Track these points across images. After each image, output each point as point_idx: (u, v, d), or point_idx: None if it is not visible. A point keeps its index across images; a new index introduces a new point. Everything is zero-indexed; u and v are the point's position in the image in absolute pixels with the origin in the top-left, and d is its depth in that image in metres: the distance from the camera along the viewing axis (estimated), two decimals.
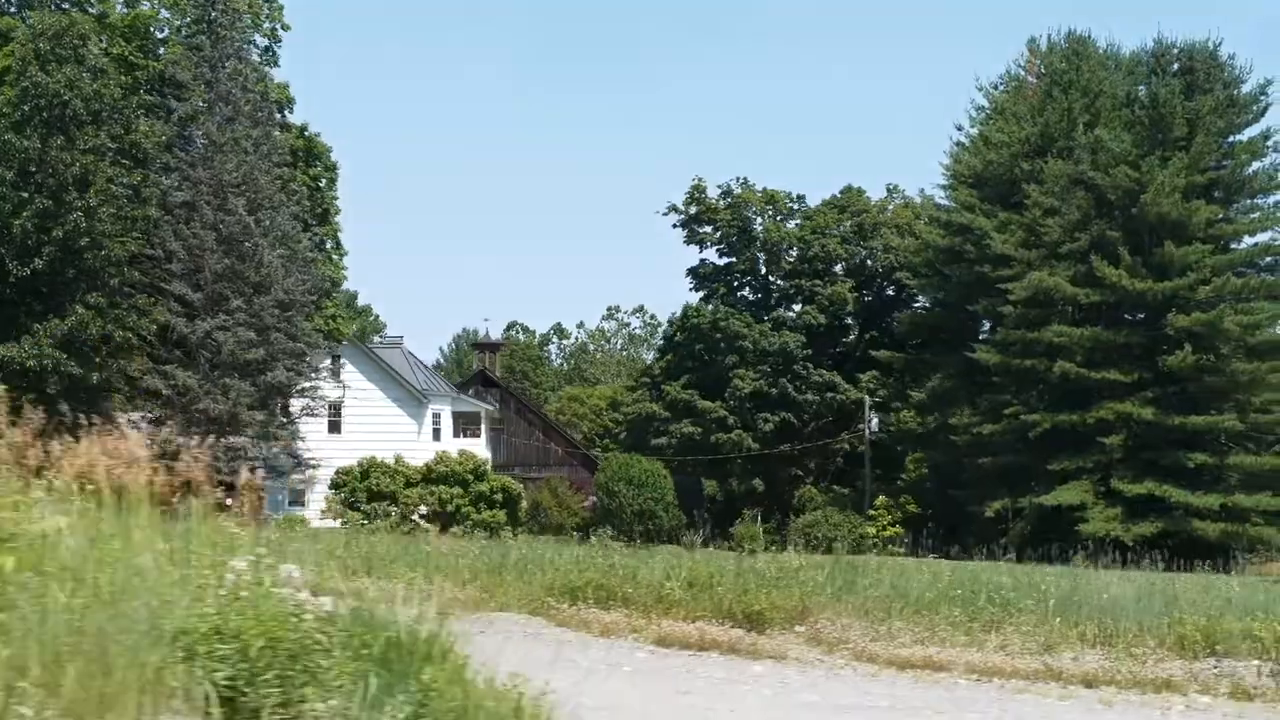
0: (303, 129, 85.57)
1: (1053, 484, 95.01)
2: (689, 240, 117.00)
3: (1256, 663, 25.49)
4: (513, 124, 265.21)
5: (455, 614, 13.56)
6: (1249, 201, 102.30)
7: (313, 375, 78.92)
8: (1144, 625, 28.22)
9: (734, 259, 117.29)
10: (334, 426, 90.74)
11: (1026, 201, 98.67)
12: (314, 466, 78.93)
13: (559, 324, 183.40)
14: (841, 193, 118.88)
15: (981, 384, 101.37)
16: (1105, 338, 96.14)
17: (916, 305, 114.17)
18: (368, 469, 76.85)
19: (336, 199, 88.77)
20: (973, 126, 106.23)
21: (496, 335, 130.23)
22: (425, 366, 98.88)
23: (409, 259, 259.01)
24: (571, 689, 11.51)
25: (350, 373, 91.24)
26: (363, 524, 74.58)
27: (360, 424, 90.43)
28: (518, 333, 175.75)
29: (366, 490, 76.09)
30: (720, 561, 39.39)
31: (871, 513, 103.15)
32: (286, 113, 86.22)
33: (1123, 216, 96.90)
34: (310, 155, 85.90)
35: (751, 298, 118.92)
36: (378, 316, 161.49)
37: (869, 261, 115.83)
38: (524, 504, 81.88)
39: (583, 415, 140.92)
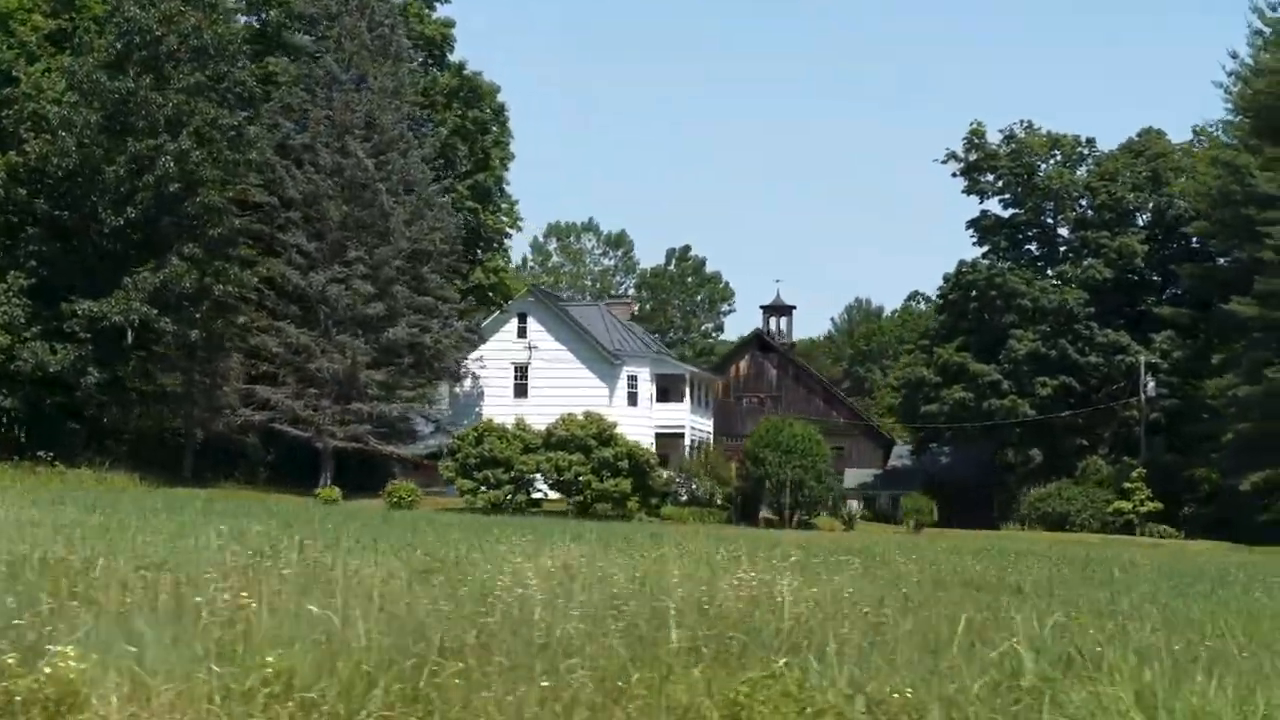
0: (460, 68, 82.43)
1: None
2: (969, 190, 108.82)
3: None
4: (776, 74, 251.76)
5: None
6: None
7: (446, 333, 76.09)
8: None
9: (1017, 210, 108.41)
10: (520, 390, 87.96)
11: None
12: (447, 433, 76.27)
13: (861, 298, 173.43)
14: (1139, 135, 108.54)
15: (1240, 342, 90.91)
16: None
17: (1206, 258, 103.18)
18: (482, 432, 73.31)
19: (508, 144, 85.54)
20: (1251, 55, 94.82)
21: (789, 299, 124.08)
22: (631, 326, 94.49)
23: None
24: None
25: (537, 332, 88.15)
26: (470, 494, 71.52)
27: (547, 387, 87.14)
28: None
29: (479, 456, 72.42)
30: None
31: (1127, 486, 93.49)
32: (446, 52, 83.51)
33: None
34: (472, 97, 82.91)
35: (1036, 251, 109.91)
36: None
37: (1169, 211, 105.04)
38: (660, 472, 76.54)
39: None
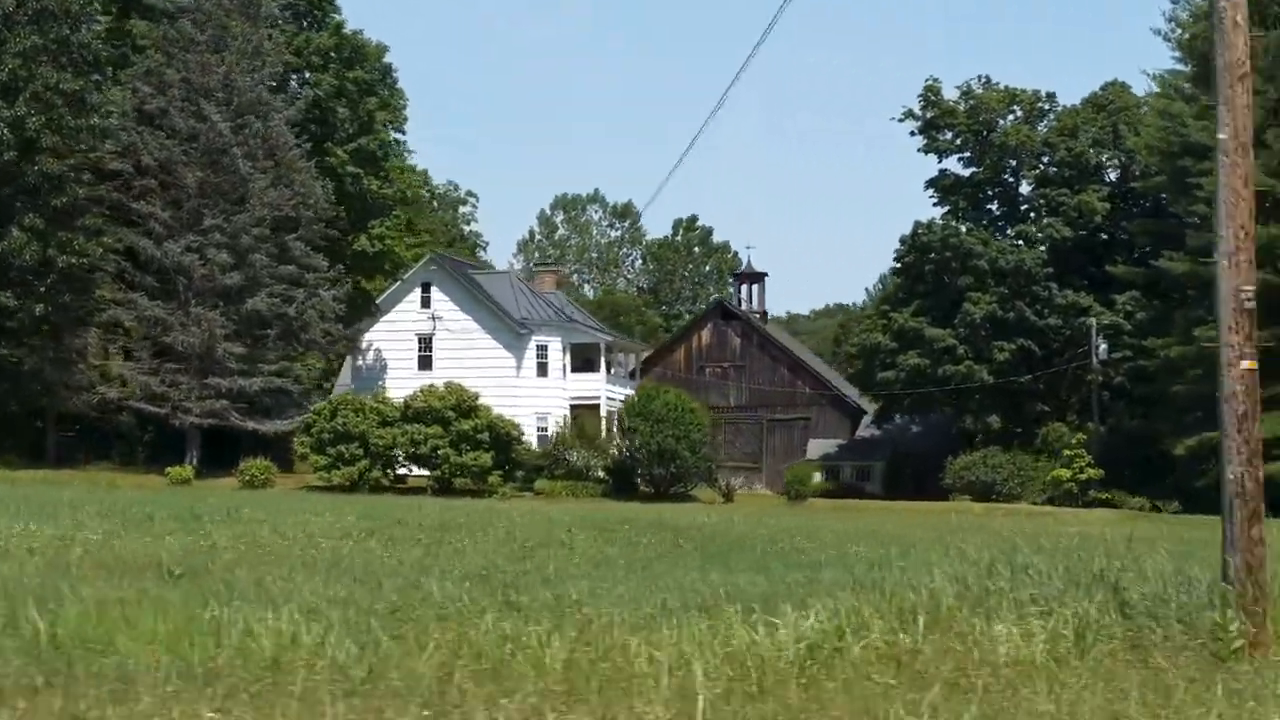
0: (338, 26, 79.63)
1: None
2: (926, 149, 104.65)
3: None
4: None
5: None
6: None
7: (312, 303, 73.65)
8: None
9: (976, 168, 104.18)
10: (424, 362, 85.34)
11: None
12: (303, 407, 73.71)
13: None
14: (1103, 89, 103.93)
15: (1177, 300, 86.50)
16: None
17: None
18: (337, 406, 70.67)
19: (400, 107, 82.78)
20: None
21: (760, 265, 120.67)
22: (547, 295, 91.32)
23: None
24: None
25: (442, 301, 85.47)
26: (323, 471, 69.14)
27: (452, 358, 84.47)
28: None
29: (333, 431, 69.78)
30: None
31: (1067, 453, 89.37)
32: (329, 12, 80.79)
33: None
34: (354, 57, 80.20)
35: (997, 211, 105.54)
36: None
37: (1130, 167, 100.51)
38: (526, 445, 73.58)
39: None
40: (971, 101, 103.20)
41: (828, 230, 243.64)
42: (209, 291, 72.15)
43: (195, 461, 73.21)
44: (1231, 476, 14.22)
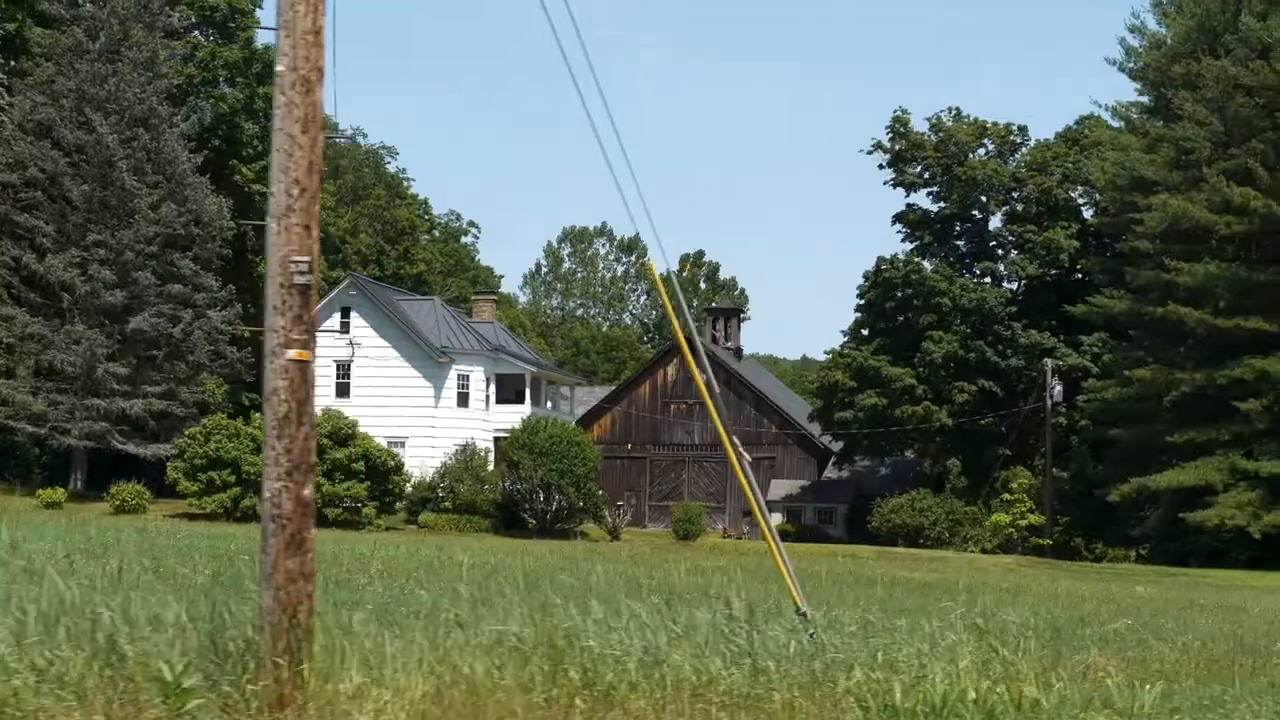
0: (248, 41, 77.83)
1: (1173, 460, 76.34)
2: (896, 182, 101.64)
3: None
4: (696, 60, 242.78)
5: None
6: None
7: (199, 324, 71.68)
8: None
9: (944, 203, 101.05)
10: (342, 390, 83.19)
11: (1181, 111, 79.53)
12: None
13: None
14: (1077, 123, 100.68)
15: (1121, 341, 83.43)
16: (1243, 277, 75.95)
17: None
18: (210, 430, 68.43)
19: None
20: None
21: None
22: (473, 324, 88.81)
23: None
24: None
25: (361, 327, 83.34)
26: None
27: (371, 386, 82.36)
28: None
29: (205, 457, 67.49)
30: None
31: (1007, 497, 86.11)
32: (240, 26, 79.11)
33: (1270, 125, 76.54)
34: (267, 72, 78.19)
35: (965, 248, 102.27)
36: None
37: (1102, 203, 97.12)
38: (406, 475, 71.04)
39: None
40: (941, 134, 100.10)
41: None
42: (93, 309, 70.38)
43: (80, 484, 71.38)
44: (269, 493, 11.10)
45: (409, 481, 70.38)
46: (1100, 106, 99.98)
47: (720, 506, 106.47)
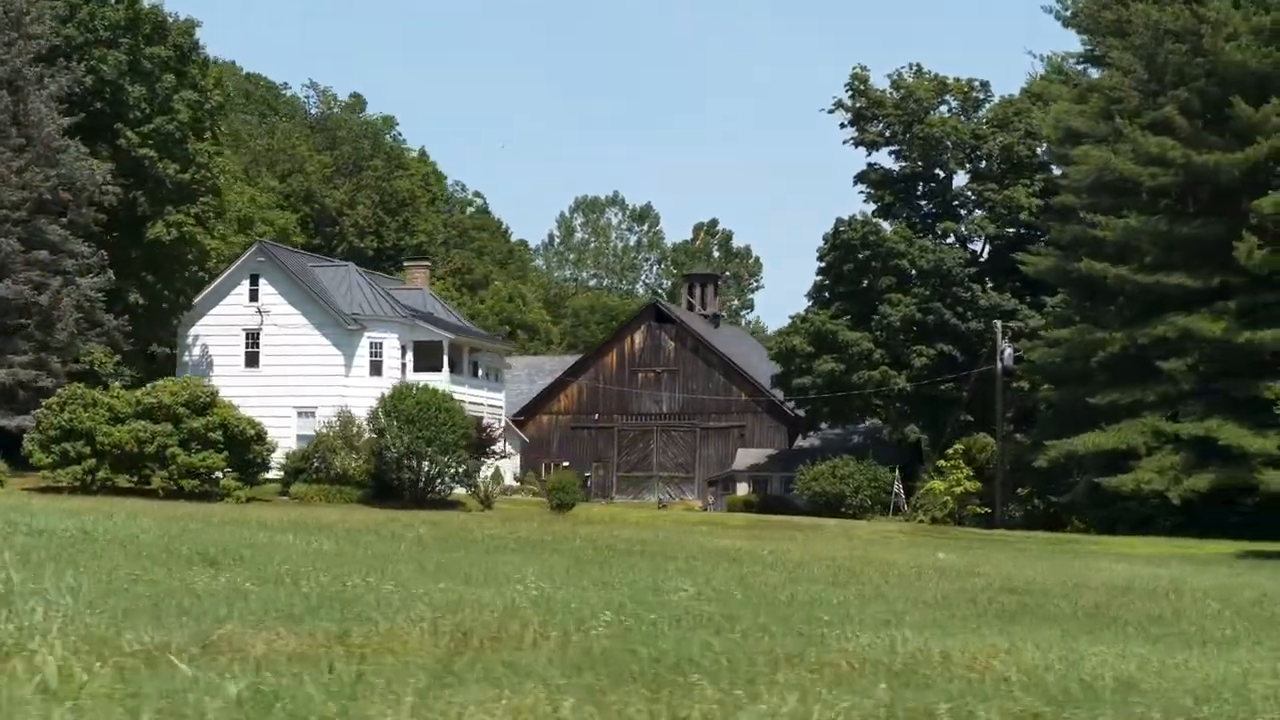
0: (132, 1, 75.63)
1: (1102, 424, 72.97)
2: (857, 141, 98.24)
3: None
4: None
5: None
6: None
7: (68, 292, 69.86)
8: None
9: (905, 163, 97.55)
10: (252, 359, 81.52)
11: (1111, 60, 75.96)
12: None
13: None
14: (1044, 77, 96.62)
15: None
16: (1164, 230, 72.28)
17: None
18: (66, 400, 66.30)
19: (205, 88, 78.73)
20: None
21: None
22: (390, 291, 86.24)
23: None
24: None
25: (270, 295, 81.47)
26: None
27: (280, 355, 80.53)
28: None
29: (59, 428, 65.37)
30: None
31: (941, 464, 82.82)
32: None
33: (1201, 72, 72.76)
34: (156, 34, 76.43)
35: (929, 208, 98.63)
36: None
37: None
38: (267, 445, 68.66)
39: None
40: (901, 91, 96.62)
41: None
42: None
43: None
44: None
45: (272, 451, 68.12)
46: (1035, 57, 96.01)
47: (689, 477, 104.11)
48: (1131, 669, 13.36)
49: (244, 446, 66.29)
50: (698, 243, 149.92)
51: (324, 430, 70.86)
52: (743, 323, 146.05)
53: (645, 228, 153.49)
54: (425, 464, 67.65)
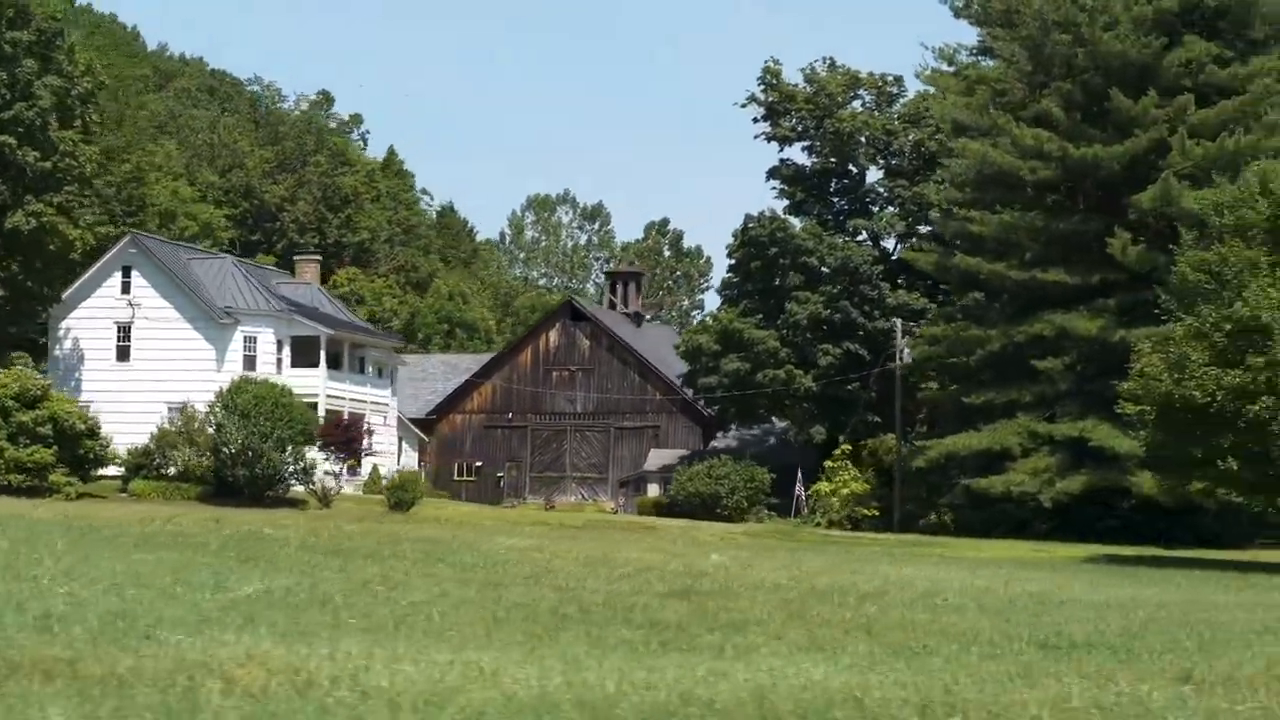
0: None
1: (979, 424, 70.92)
2: (770, 136, 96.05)
3: None
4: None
5: None
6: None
7: None
8: None
9: (817, 158, 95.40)
10: (123, 353, 79.70)
11: (998, 51, 73.85)
12: None
13: None
14: (934, 68, 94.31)
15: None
16: (1040, 226, 70.14)
17: None
18: None
19: (72, 74, 76.83)
20: None
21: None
22: (272, 284, 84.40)
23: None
24: None
25: (142, 287, 79.62)
26: None
27: (152, 349, 78.66)
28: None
29: None
30: None
31: (830, 464, 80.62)
32: None
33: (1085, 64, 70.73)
34: (19, 19, 74.56)
35: (841, 204, 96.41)
36: None
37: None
38: (100, 440, 66.78)
39: None
40: (814, 85, 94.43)
41: None
42: None
43: None
44: None
45: (106, 446, 66.36)
46: (928, 49, 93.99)
47: (603, 478, 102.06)
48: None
49: (74, 441, 64.53)
50: (648, 242, 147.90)
51: (165, 425, 69.03)
52: (694, 322, 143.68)
53: (596, 226, 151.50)
54: (262, 461, 65.66)
